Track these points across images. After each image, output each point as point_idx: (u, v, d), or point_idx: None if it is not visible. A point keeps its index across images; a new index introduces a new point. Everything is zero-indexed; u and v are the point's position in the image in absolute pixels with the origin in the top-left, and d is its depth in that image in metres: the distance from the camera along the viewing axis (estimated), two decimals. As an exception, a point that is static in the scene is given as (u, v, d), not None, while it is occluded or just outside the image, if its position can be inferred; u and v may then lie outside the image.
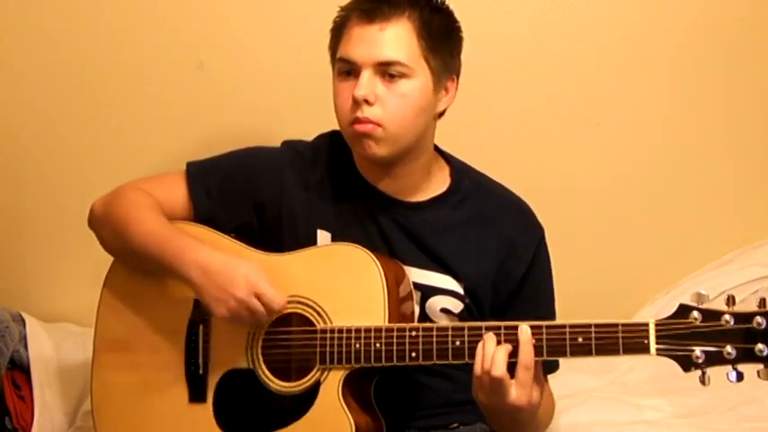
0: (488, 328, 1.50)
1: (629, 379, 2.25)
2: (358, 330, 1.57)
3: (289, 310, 1.63)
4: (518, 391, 1.47)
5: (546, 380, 1.73)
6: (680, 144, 2.52)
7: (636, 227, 2.52)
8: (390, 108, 1.62)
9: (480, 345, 1.49)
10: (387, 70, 1.62)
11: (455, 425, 1.74)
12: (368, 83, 1.61)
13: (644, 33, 2.47)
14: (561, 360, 1.74)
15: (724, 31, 2.48)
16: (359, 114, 1.62)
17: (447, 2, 1.71)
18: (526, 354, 1.47)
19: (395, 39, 1.62)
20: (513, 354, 1.48)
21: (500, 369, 1.46)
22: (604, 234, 2.52)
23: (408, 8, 1.63)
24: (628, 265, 2.51)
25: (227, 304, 1.58)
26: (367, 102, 1.61)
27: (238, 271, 1.59)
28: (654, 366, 2.22)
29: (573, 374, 2.17)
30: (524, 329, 1.48)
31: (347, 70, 1.64)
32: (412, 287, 1.67)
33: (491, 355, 1.47)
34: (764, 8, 2.48)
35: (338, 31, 1.68)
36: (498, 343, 1.49)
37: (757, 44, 2.50)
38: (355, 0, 1.68)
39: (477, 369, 1.49)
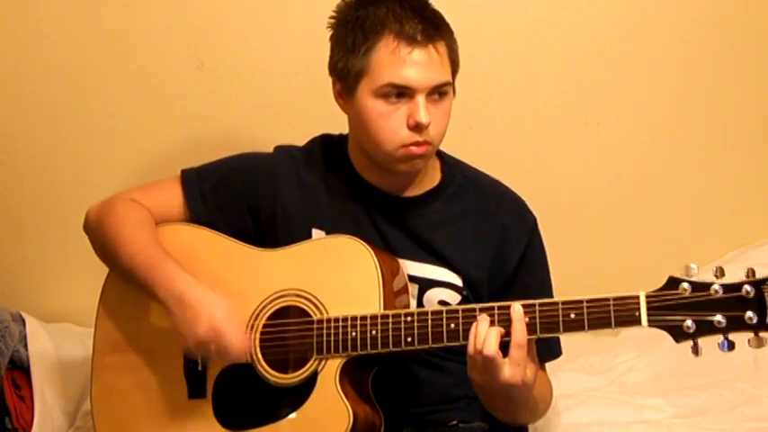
0: (482, 310, 1.52)
1: (629, 379, 2.24)
2: (354, 318, 1.57)
3: (286, 303, 1.64)
4: (511, 370, 1.48)
5: (544, 368, 1.73)
6: (680, 144, 2.52)
7: (635, 227, 2.52)
8: (438, 126, 1.64)
9: (474, 325, 1.50)
10: (438, 91, 1.63)
11: (454, 422, 1.74)
12: (427, 107, 1.61)
13: (644, 34, 2.47)
14: (562, 357, 1.75)
15: (724, 31, 2.48)
16: (419, 138, 1.62)
17: (452, 1, 1.73)
18: (518, 332, 1.48)
19: (443, 59, 1.63)
20: (507, 333, 1.49)
21: (491, 348, 1.47)
22: (604, 234, 2.52)
23: (437, 21, 1.64)
24: (627, 265, 2.51)
25: (188, 340, 1.60)
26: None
27: (206, 311, 1.58)
28: (654, 366, 2.22)
29: (573, 374, 2.17)
30: (516, 308, 1.49)
31: (397, 93, 1.62)
32: (407, 280, 1.67)
33: (483, 334, 1.48)
34: (764, 8, 2.48)
35: (368, 52, 1.62)
36: (492, 323, 1.50)
37: (757, 44, 2.50)
38: (388, 20, 1.62)
39: (471, 349, 1.50)
